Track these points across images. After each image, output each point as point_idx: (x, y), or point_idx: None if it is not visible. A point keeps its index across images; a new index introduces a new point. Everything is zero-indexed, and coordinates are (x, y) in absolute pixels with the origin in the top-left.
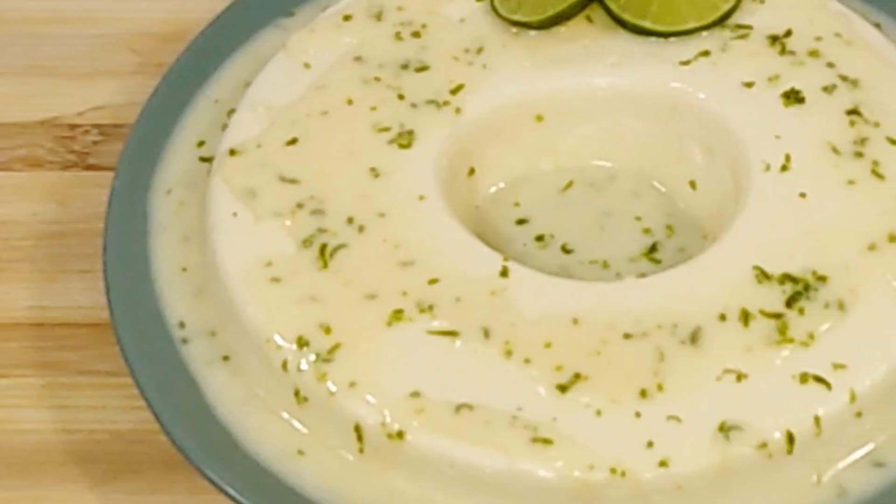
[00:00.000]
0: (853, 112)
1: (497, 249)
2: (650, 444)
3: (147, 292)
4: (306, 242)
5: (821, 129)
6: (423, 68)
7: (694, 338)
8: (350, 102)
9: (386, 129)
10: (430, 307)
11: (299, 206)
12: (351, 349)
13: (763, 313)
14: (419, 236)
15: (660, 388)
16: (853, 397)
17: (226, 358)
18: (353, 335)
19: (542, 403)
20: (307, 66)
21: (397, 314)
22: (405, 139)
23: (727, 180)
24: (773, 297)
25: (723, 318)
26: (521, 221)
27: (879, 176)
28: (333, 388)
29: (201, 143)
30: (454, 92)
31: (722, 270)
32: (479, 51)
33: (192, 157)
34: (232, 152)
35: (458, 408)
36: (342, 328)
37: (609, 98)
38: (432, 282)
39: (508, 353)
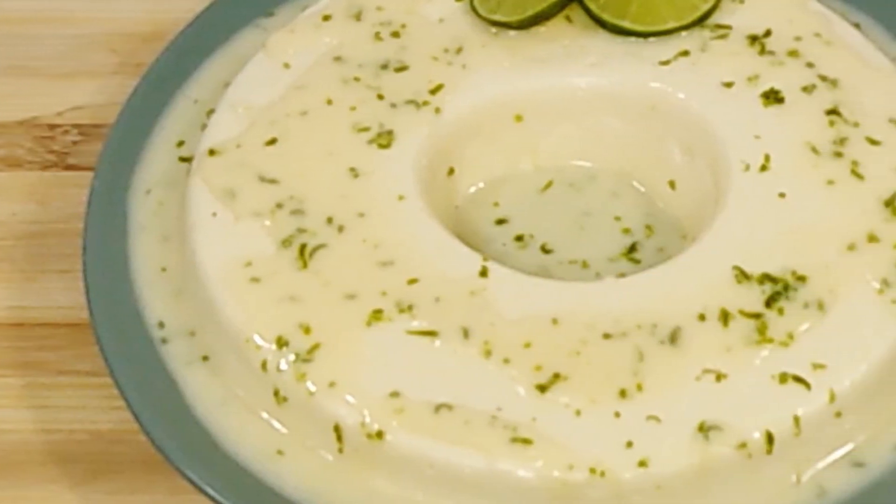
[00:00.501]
0: (833, 112)
1: (476, 249)
2: (630, 444)
3: (126, 292)
4: (286, 242)
5: (800, 129)
6: (402, 68)
7: (673, 338)
8: (330, 102)
9: (365, 129)
10: (410, 307)
11: (279, 206)
12: (330, 349)
13: (742, 313)
14: (399, 236)
15: (639, 388)
16: (833, 397)
17: (205, 358)
18: (333, 335)
19: (521, 403)
20: (287, 66)
21: (377, 314)
22: (385, 139)
23: (707, 180)
24: (753, 297)
25: (702, 318)
26: (500, 221)
27: (859, 176)
28: (313, 388)
29: (181, 143)
30: (434, 92)
31: (701, 270)
32: (459, 51)
33: (171, 157)
34: (211, 152)
35: (438, 408)
36: (322, 328)
37: (589, 98)
38: (412, 282)
39: (488, 353)
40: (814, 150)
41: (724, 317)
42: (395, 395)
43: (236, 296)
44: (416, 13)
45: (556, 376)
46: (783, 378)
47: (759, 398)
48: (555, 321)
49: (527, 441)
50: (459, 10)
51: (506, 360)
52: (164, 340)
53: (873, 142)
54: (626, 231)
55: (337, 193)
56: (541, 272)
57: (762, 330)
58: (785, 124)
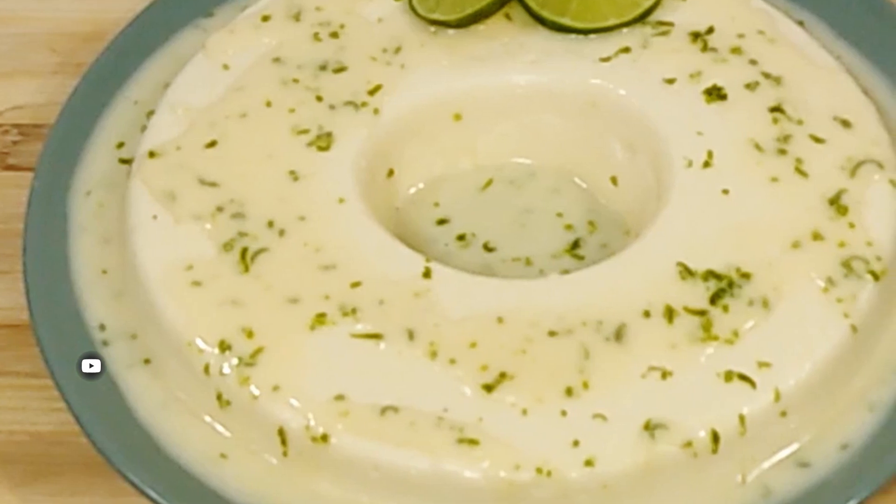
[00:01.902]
0: (776, 109)
1: (419, 250)
2: (576, 444)
3: (67, 294)
4: (227, 246)
5: (743, 126)
6: (341, 69)
7: (618, 335)
8: (269, 104)
9: (305, 132)
10: (354, 310)
11: (219, 209)
12: (274, 353)
13: (687, 310)
14: (340, 239)
15: (585, 385)
16: (778, 396)
17: (147, 361)
18: (276, 339)
19: (467, 404)
20: (226, 67)
21: (320, 318)
22: (324, 141)
23: (648, 176)
24: (698, 294)
25: (647, 314)
26: (441, 221)
27: (802, 173)
28: (256, 392)
29: (121, 145)
30: (372, 93)
31: (645, 266)
32: (398, 51)
33: (111, 159)
34: (151, 154)
35: (384, 410)
36: (264, 332)
37: (528, 95)
38: (355, 285)
39: (433, 354)
40: (757, 147)
41: (669, 313)
42: (340, 398)
43: (177, 299)
44: (355, 13)
45: (503, 375)
46: (728, 376)
47: (704, 396)
48: (500, 320)
49: (473, 442)
50: (398, 9)
51: (451, 361)
52: (105, 343)
53: (817, 139)
54: (569, 227)
55: (277, 197)
56: (484, 271)
57: (707, 327)
58: (728, 121)
